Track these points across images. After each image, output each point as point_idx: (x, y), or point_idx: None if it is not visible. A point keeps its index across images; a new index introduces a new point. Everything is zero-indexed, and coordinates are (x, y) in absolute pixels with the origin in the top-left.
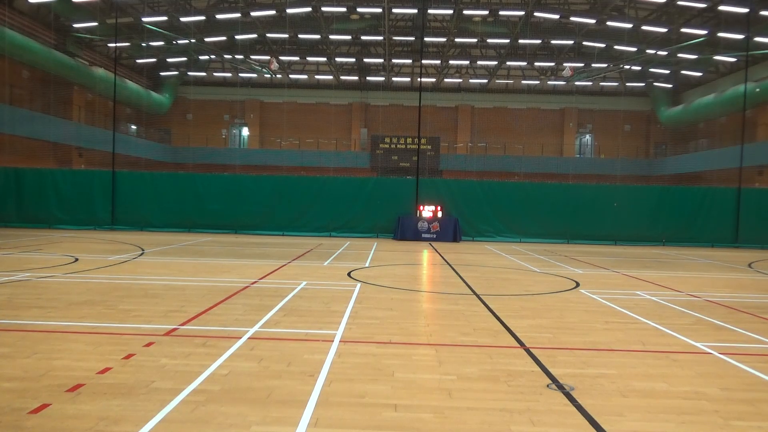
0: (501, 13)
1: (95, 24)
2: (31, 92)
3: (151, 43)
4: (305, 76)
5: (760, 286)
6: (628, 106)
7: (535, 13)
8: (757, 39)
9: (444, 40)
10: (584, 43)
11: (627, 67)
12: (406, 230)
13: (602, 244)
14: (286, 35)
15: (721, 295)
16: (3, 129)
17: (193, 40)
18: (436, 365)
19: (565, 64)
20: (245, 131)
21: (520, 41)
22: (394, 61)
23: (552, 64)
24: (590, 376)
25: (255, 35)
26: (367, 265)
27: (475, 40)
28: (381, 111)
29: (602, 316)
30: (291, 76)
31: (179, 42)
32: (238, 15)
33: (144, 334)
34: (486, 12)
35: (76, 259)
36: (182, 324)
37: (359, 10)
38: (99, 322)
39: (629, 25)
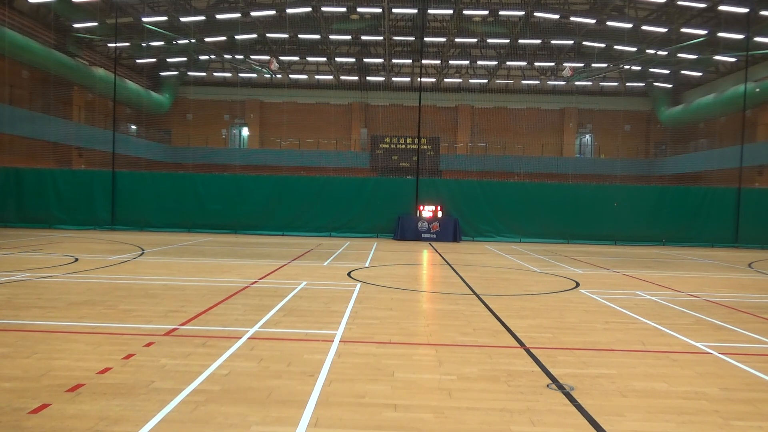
0: (501, 13)
1: (95, 24)
2: (31, 92)
3: (151, 43)
4: (305, 76)
5: (760, 286)
6: (628, 106)
7: (535, 13)
8: (757, 39)
9: (444, 40)
10: (584, 43)
11: (627, 67)
12: (406, 230)
13: (602, 244)
14: (286, 35)
15: (721, 295)
16: (3, 129)
17: (193, 40)
18: (436, 365)
19: (565, 64)
20: (245, 131)
21: (520, 41)
22: (394, 61)
23: (552, 64)
24: (590, 376)
25: (255, 35)
26: (367, 265)
27: (475, 40)
28: (381, 111)
29: (602, 316)
30: (291, 76)
31: (179, 42)
32: (238, 15)
33: (144, 334)
34: (486, 12)
35: (76, 259)
36: (182, 324)
37: (359, 10)
38: (99, 322)
39: (629, 25)
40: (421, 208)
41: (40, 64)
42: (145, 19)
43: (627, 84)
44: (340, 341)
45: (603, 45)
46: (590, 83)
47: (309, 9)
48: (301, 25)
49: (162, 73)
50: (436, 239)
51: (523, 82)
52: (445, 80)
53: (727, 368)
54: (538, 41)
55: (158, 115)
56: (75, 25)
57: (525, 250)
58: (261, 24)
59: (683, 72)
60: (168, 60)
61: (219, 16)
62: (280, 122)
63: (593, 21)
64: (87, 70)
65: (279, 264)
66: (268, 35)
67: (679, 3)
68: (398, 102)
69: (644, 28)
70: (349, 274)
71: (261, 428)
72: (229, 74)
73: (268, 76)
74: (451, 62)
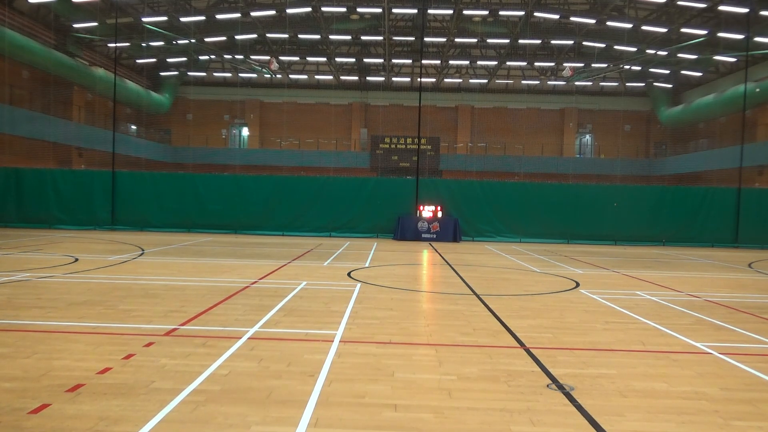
0: (501, 13)
1: (95, 24)
2: (31, 92)
3: (151, 43)
4: (305, 76)
5: (760, 286)
6: (628, 106)
7: (535, 13)
8: (757, 39)
9: (444, 40)
10: (584, 43)
11: (627, 67)
12: (406, 230)
13: (602, 244)
14: (286, 35)
15: (721, 295)
16: (3, 129)
17: (193, 40)
18: (436, 365)
19: (565, 64)
20: (245, 131)
21: (520, 41)
22: (394, 61)
23: (552, 64)
24: (590, 376)
25: (255, 35)
26: (367, 265)
27: (475, 40)
28: (381, 111)
29: (602, 316)
30: (291, 76)
31: (179, 42)
32: (238, 15)
33: (144, 334)
34: (486, 12)
35: (76, 259)
36: (182, 324)
37: (359, 10)
38: (99, 322)
39: (629, 25)
40: (421, 208)
41: (40, 64)
42: (145, 19)
43: (627, 84)
44: (340, 341)
45: (603, 45)
46: (590, 83)
47: (309, 9)
48: (301, 25)
49: (162, 73)
50: (436, 239)
51: (523, 82)
52: (445, 80)
53: (727, 368)
54: (538, 41)
55: (158, 115)
56: (75, 25)
57: (525, 250)
58: (261, 24)
59: (683, 72)
60: (168, 60)
61: (219, 16)
62: (280, 122)
63: (593, 21)
64: (87, 70)
65: (279, 264)
66: (268, 35)
67: (679, 3)
68: (398, 102)
69: (644, 28)
70: (349, 274)
71: (261, 428)
72: (229, 74)
73: (268, 76)
74: (451, 62)
